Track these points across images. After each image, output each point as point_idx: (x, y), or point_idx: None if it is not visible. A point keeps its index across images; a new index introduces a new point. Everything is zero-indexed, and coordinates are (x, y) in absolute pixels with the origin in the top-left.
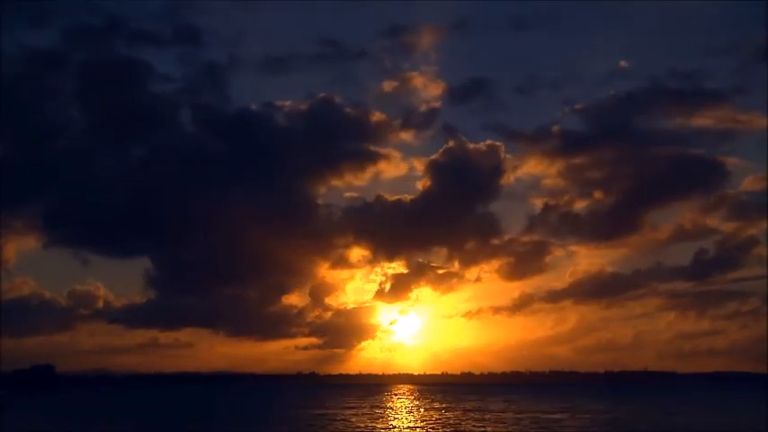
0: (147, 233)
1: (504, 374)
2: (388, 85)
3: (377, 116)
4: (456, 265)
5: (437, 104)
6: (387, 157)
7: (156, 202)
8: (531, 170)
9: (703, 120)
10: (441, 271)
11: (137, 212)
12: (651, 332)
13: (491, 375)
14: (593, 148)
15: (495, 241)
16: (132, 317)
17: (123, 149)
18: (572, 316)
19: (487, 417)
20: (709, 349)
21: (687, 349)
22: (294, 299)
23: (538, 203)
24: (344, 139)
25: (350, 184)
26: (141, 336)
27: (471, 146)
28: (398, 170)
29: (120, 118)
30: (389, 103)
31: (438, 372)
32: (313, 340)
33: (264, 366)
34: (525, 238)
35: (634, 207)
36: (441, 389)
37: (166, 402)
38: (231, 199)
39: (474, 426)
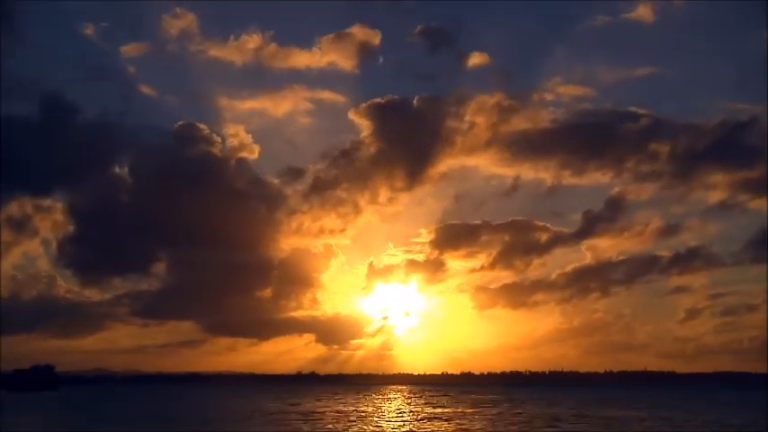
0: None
1: (503, 374)
2: None
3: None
4: (436, 253)
5: None
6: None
7: None
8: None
9: None
10: (419, 257)
11: None
12: (652, 331)
13: (491, 375)
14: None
15: (474, 222)
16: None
17: None
18: (569, 313)
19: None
20: (709, 349)
21: (687, 349)
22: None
23: (511, 172)
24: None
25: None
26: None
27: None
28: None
29: None
30: None
31: (438, 372)
32: (307, 338)
33: (265, 367)
34: (505, 220)
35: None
36: (438, 391)
37: (164, 403)
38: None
39: None
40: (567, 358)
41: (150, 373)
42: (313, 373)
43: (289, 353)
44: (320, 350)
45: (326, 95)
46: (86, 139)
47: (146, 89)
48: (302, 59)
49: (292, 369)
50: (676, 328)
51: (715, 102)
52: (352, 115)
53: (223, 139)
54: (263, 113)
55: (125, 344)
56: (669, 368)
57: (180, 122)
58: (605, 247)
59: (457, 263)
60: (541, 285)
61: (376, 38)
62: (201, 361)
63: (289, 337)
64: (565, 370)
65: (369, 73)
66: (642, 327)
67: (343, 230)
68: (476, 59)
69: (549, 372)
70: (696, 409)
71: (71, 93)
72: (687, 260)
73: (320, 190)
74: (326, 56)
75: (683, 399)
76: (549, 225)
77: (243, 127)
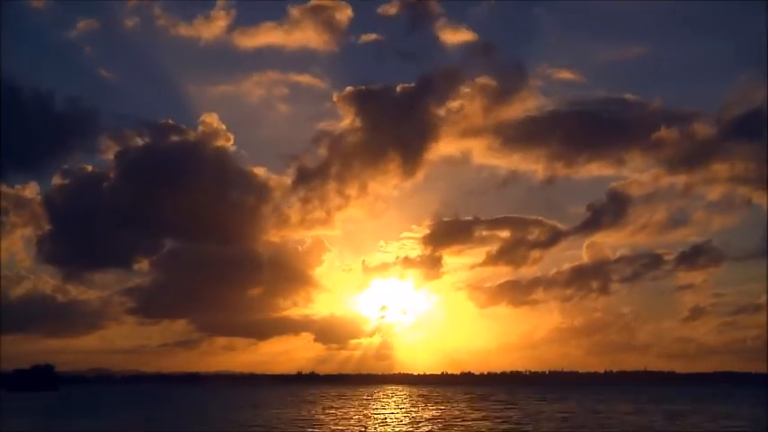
0: None
1: (503, 375)
2: None
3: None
4: (430, 249)
5: None
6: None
7: None
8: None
9: None
10: (412, 253)
11: None
12: (652, 331)
13: (491, 376)
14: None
15: (468, 217)
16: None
17: None
18: (570, 311)
19: None
20: (711, 348)
21: (688, 349)
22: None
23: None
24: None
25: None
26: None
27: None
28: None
29: None
30: None
31: (438, 371)
32: (305, 337)
33: (264, 367)
34: (500, 215)
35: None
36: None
37: (162, 403)
38: None
39: None
40: (568, 358)
41: (149, 373)
42: (313, 372)
43: (288, 353)
44: (319, 349)
45: (304, 79)
46: (41, 127)
47: (104, 72)
48: (273, 37)
49: (292, 369)
50: (678, 326)
51: (715, 87)
52: (335, 99)
53: (195, 128)
54: (237, 99)
55: (124, 344)
56: (669, 368)
57: (149, 112)
58: (605, 242)
59: (453, 259)
60: (541, 282)
61: (347, 11)
62: (201, 361)
63: (287, 337)
64: (565, 370)
65: (346, 54)
66: (643, 326)
67: (331, 223)
68: (459, 36)
69: (550, 372)
70: (696, 410)
71: (20, 75)
72: (690, 257)
73: (305, 181)
74: (299, 32)
75: (683, 399)
76: (544, 219)
77: (216, 115)
